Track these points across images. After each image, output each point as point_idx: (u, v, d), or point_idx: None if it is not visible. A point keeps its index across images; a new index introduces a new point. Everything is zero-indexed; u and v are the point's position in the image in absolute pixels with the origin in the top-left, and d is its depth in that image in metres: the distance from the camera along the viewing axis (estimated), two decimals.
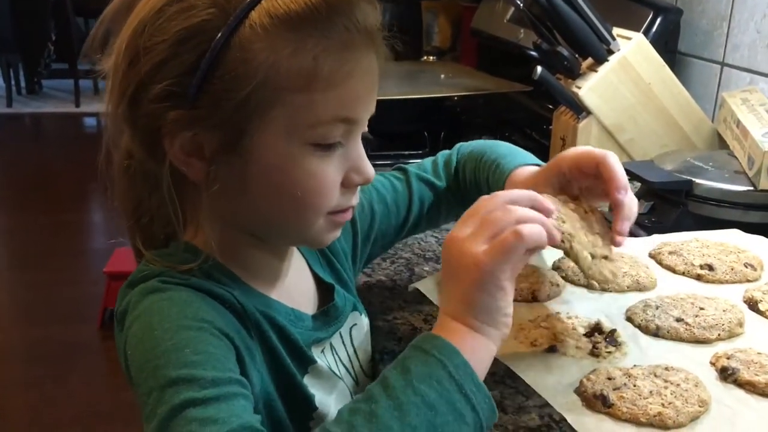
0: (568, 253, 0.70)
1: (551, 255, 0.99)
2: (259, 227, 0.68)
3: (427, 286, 0.91)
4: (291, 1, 0.60)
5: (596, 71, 1.36)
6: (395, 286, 0.96)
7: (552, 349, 0.78)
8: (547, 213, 0.63)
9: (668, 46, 1.52)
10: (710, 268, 0.94)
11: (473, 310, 0.59)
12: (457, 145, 0.92)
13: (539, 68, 1.32)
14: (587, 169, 0.75)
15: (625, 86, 1.35)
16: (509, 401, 0.72)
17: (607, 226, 0.74)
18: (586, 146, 0.79)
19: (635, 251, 1.00)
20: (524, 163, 0.84)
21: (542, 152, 0.82)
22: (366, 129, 0.68)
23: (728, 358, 0.75)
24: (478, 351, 0.59)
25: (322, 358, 0.73)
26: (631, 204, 0.73)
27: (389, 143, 1.75)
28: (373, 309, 0.89)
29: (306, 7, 0.60)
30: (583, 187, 0.77)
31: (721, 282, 0.93)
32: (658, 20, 1.49)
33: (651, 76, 1.36)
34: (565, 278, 0.94)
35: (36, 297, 3.20)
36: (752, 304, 0.88)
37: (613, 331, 0.80)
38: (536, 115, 1.74)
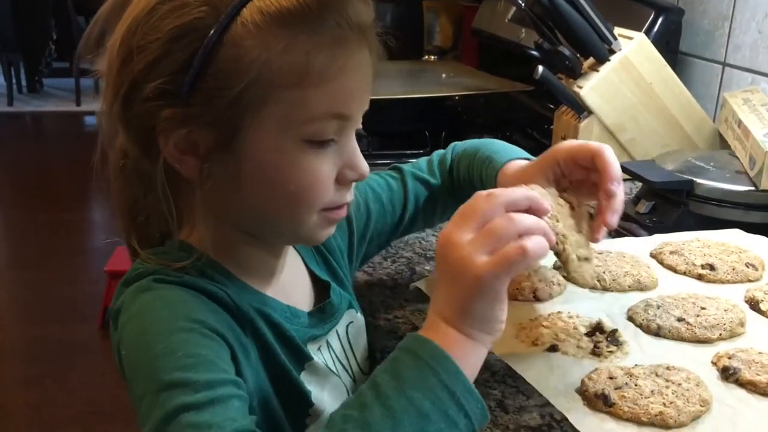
0: (560, 254, 0.69)
1: (552, 254, 0.99)
2: (254, 224, 0.68)
3: (428, 285, 0.91)
4: None
5: (598, 71, 1.36)
6: (396, 285, 0.96)
7: (553, 349, 0.78)
8: (543, 213, 0.62)
9: (670, 46, 1.52)
10: (711, 267, 0.94)
11: (469, 319, 0.58)
12: (452, 144, 0.92)
13: (540, 68, 1.32)
14: (582, 161, 0.75)
15: (626, 86, 1.35)
16: (510, 400, 0.72)
17: (590, 224, 0.74)
18: (583, 140, 0.79)
19: (637, 251, 1.00)
20: (516, 157, 0.84)
21: (543, 152, 0.82)
22: (360, 125, 0.68)
23: (729, 358, 0.75)
24: (471, 357, 0.58)
25: (319, 356, 0.73)
26: (621, 197, 0.72)
27: (390, 143, 1.75)
28: (374, 308, 0.90)
29: (297, 3, 0.60)
30: (575, 180, 0.76)
31: (722, 282, 0.93)
32: (660, 20, 1.49)
33: (652, 75, 1.36)
34: (567, 278, 0.94)
35: (36, 296, 3.20)
36: (753, 304, 0.88)
37: (615, 330, 0.80)
38: (537, 114, 1.74)
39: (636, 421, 0.67)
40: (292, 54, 0.60)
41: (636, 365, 0.74)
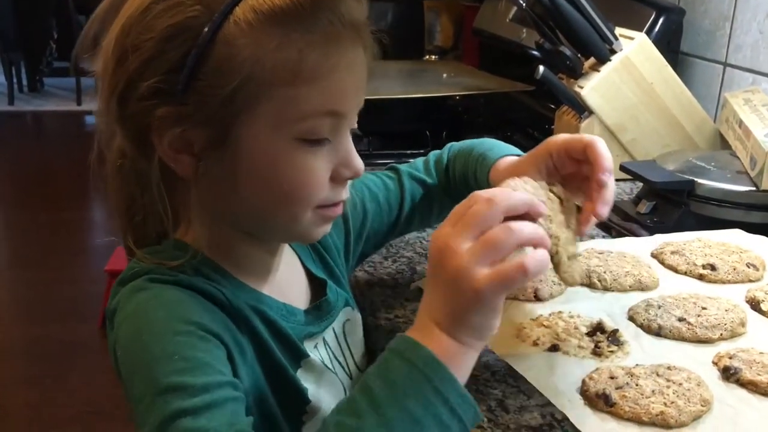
0: (552, 256, 0.69)
1: None
2: (249, 222, 0.68)
3: None
4: None
5: (598, 71, 1.36)
6: (397, 285, 0.96)
7: (554, 349, 0.78)
8: (540, 216, 0.62)
9: (671, 46, 1.52)
10: (712, 267, 0.94)
11: (464, 328, 0.58)
12: (448, 145, 0.93)
13: (541, 68, 1.32)
14: (574, 153, 0.74)
15: (627, 86, 1.35)
16: (511, 400, 0.72)
17: (578, 219, 0.73)
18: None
19: (638, 251, 1.00)
20: (508, 154, 0.84)
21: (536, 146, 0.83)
22: (355, 124, 0.68)
23: (730, 358, 0.75)
24: (463, 362, 0.58)
25: (315, 353, 0.73)
26: (612, 189, 0.72)
27: (391, 142, 1.75)
28: (375, 307, 0.90)
29: (291, 2, 0.60)
30: (566, 174, 0.76)
31: (723, 282, 0.93)
32: (661, 20, 1.49)
33: (653, 76, 1.36)
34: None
35: (36, 295, 3.20)
36: (754, 304, 0.88)
37: (616, 330, 0.80)
38: (538, 114, 1.74)
39: (637, 420, 0.67)
40: (285, 52, 0.60)
41: (637, 365, 0.74)
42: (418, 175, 0.91)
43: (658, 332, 0.81)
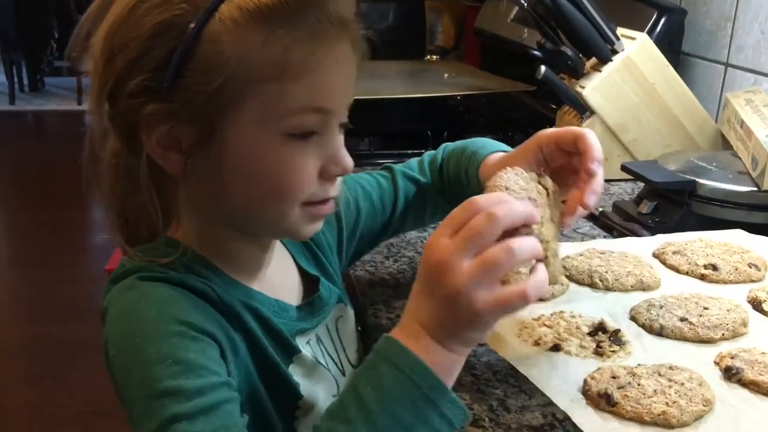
0: (541, 260, 0.69)
1: None
2: (238, 219, 0.68)
3: None
4: None
5: (600, 71, 1.36)
6: (398, 284, 0.96)
7: (556, 348, 0.78)
8: (535, 222, 0.60)
9: (672, 47, 1.52)
10: (714, 268, 0.94)
11: (455, 340, 0.57)
12: (443, 145, 0.93)
13: (543, 68, 1.32)
14: (565, 145, 0.74)
15: (628, 86, 1.35)
16: (512, 400, 0.72)
17: (562, 212, 0.72)
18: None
19: (639, 251, 1.00)
20: (499, 150, 0.85)
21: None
22: (345, 120, 0.68)
23: (732, 358, 0.75)
24: (452, 368, 0.58)
25: (308, 349, 0.73)
26: (600, 179, 0.72)
27: (392, 142, 1.75)
28: (376, 307, 0.90)
29: (277, 0, 0.61)
30: (556, 167, 0.76)
31: (725, 282, 0.93)
32: (663, 20, 1.49)
33: (655, 76, 1.36)
34: (569, 277, 0.94)
35: (37, 295, 3.20)
36: (756, 304, 0.88)
37: (617, 330, 0.80)
38: (539, 114, 1.74)
39: (639, 420, 0.67)
40: (270, 49, 0.60)
41: (639, 365, 0.74)
42: (412, 175, 0.91)
43: (659, 332, 0.81)
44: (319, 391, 0.72)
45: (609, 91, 1.35)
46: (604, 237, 1.14)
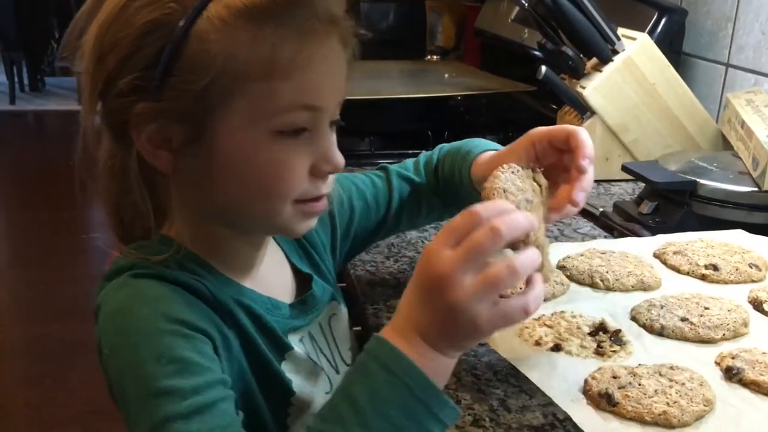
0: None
1: (555, 254, 0.99)
2: (230, 217, 0.68)
3: None
4: None
5: (601, 71, 1.36)
6: (399, 284, 0.96)
7: (556, 348, 0.78)
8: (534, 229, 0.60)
9: (673, 47, 1.52)
10: (715, 268, 0.94)
11: (454, 347, 0.58)
12: (439, 146, 0.93)
13: (544, 68, 1.32)
14: (557, 142, 0.75)
15: (629, 86, 1.35)
16: (513, 400, 0.72)
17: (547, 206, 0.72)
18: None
19: (640, 251, 1.00)
20: (491, 149, 0.85)
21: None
22: (337, 117, 0.68)
23: (733, 358, 0.75)
24: (444, 370, 0.58)
25: (300, 346, 0.74)
26: (590, 176, 0.72)
27: (392, 142, 1.75)
28: (377, 307, 0.90)
29: None
30: (547, 164, 0.76)
31: (725, 282, 0.93)
32: (663, 21, 1.49)
33: (655, 76, 1.36)
34: (570, 277, 0.94)
35: (37, 295, 3.20)
36: (757, 305, 0.88)
37: (618, 330, 0.80)
38: (540, 115, 1.74)
39: (639, 420, 0.67)
40: (258, 47, 0.61)
41: (639, 365, 0.74)
42: (407, 175, 0.91)
43: (660, 332, 0.81)
44: (312, 388, 0.73)
45: (610, 92, 1.35)
46: (605, 237, 1.14)
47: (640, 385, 0.69)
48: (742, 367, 0.73)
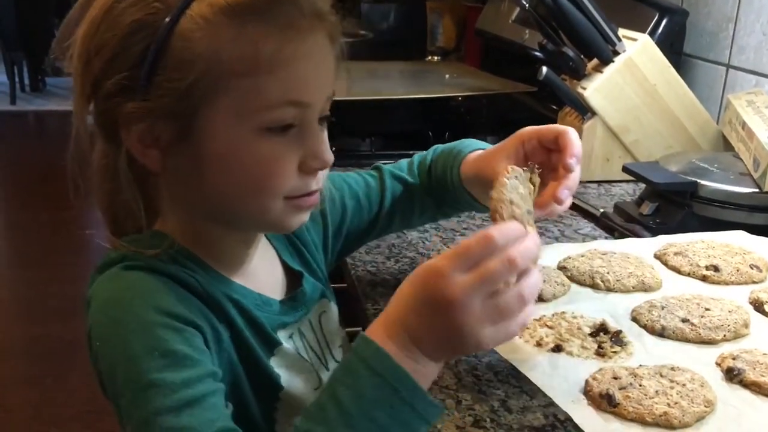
0: None
1: (556, 255, 0.99)
2: (221, 213, 0.69)
3: None
4: None
5: (601, 72, 1.36)
6: (399, 285, 0.96)
7: (557, 349, 0.78)
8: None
9: (674, 48, 1.52)
10: (716, 269, 0.94)
11: (449, 357, 0.58)
12: (433, 147, 0.93)
13: (544, 69, 1.32)
14: (546, 142, 0.76)
15: (630, 87, 1.35)
16: (514, 401, 0.72)
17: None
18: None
19: (641, 252, 1.00)
20: (481, 148, 0.86)
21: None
22: (327, 113, 0.68)
23: (734, 359, 0.75)
24: (431, 374, 0.58)
25: (290, 343, 0.74)
26: (577, 176, 0.73)
27: (393, 143, 1.75)
28: (377, 307, 0.90)
29: None
30: (537, 162, 0.76)
31: (726, 283, 0.93)
32: (664, 21, 1.49)
33: (656, 77, 1.36)
34: (570, 278, 0.94)
35: (37, 294, 3.20)
36: (758, 306, 0.88)
37: (619, 331, 0.80)
38: (541, 116, 1.74)
39: (640, 421, 0.67)
40: (241, 44, 0.61)
41: (640, 366, 0.74)
42: (400, 174, 0.92)
43: (661, 333, 0.81)
44: (301, 384, 0.73)
45: (610, 92, 1.35)
46: (606, 238, 1.14)
47: (641, 386, 0.69)
48: (743, 368, 0.73)
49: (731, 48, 1.49)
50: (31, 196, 4.35)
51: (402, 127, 1.81)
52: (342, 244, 0.89)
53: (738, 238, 1.05)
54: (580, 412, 0.68)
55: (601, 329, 0.81)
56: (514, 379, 0.75)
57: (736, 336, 0.81)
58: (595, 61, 1.38)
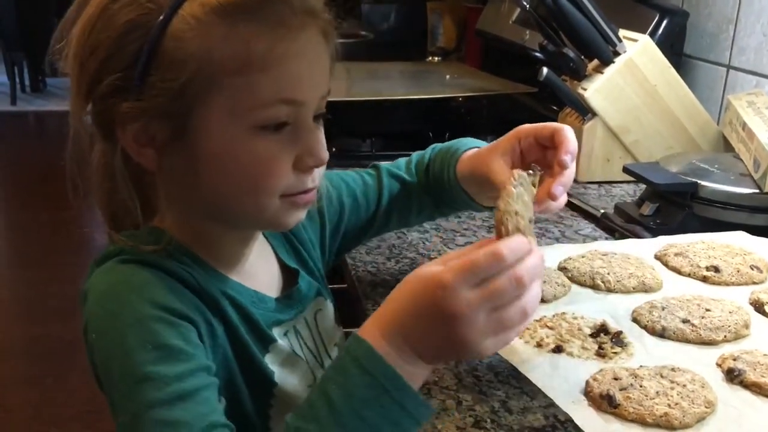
0: None
1: (557, 255, 0.99)
2: (217, 212, 0.69)
3: None
4: None
5: (602, 73, 1.36)
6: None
7: (558, 350, 0.78)
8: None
9: (674, 49, 1.52)
10: (716, 269, 0.94)
11: (442, 360, 0.59)
12: (432, 146, 0.93)
13: (545, 69, 1.32)
14: (542, 139, 0.76)
15: (630, 88, 1.35)
16: (514, 401, 0.72)
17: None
18: None
19: (641, 252, 1.00)
20: (478, 146, 0.86)
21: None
22: (322, 110, 0.68)
23: (734, 360, 0.75)
24: (423, 375, 0.59)
25: (285, 340, 0.74)
26: (571, 173, 0.73)
27: (393, 143, 1.75)
28: (378, 308, 0.89)
29: None
30: (531, 160, 0.77)
31: (726, 284, 0.93)
32: (665, 22, 1.49)
33: (657, 78, 1.36)
34: (571, 279, 0.94)
35: (37, 294, 3.20)
36: (758, 306, 0.88)
37: (619, 332, 0.80)
38: (541, 116, 1.74)
39: (641, 422, 0.67)
40: (232, 43, 0.61)
41: (641, 366, 0.74)
42: (397, 173, 0.92)
43: (662, 334, 0.81)
44: (295, 380, 0.73)
45: (611, 93, 1.35)
46: (606, 239, 1.14)
47: (641, 386, 0.69)
48: (744, 369, 0.73)
49: (731, 49, 1.49)
50: (31, 196, 4.35)
51: (402, 127, 1.81)
52: (340, 243, 0.89)
53: (738, 238, 1.05)
54: (581, 412, 0.68)
55: (601, 330, 0.81)
56: (514, 379, 0.75)
57: (737, 337, 0.81)
58: (595, 61, 1.38)
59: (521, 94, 1.85)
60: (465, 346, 0.55)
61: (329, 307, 0.83)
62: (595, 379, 0.71)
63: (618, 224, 1.16)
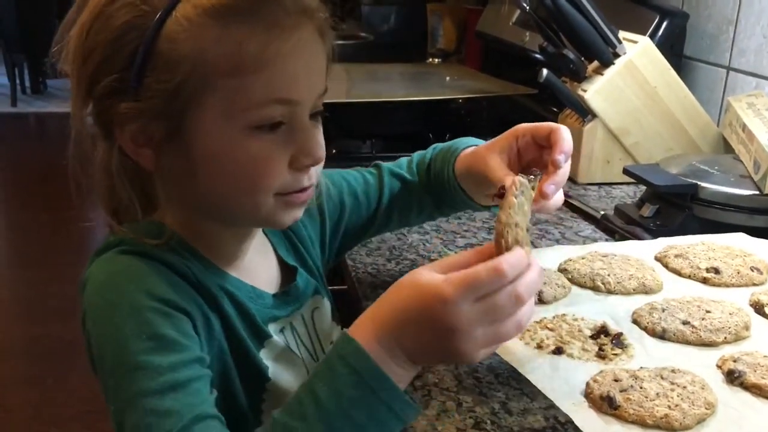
0: None
1: (557, 257, 0.99)
2: (214, 210, 0.69)
3: None
4: None
5: (602, 74, 1.36)
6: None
7: (558, 351, 0.78)
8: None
9: (674, 50, 1.52)
10: (716, 271, 0.94)
11: (429, 364, 0.60)
12: (433, 145, 0.94)
13: (545, 71, 1.32)
14: (539, 138, 0.77)
15: (630, 89, 1.35)
16: (514, 403, 0.72)
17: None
18: None
19: (641, 254, 1.00)
20: (476, 144, 0.87)
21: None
22: (319, 109, 0.68)
23: (734, 361, 0.75)
24: (411, 377, 0.59)
25: (281, 337, 0.75)
26: (565, 172, 0.74)
27: (394, 145, 1.75)
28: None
29: None
30: (528, 160, 0.79)
31: (727, 285, 0.93)
32: (665, 24, 1.49)
33: (657, 79, 1.36)
34: (571, 280, 0.94)
35: (37, 294, 3.20)
36: (758, 308, 0.88)
37: (620, 333, 0.80)
38: (541, 118, 1.73)
39: (641, 423, 0.67)
40: (224, 44, 0.62)
41: (641, 368, 0.74)
42: (398, 172, 0.92)
43: (662, 335, 0.81)
44: (290, 376, 0.74)
45: (611, 95, 1.35)
46: (606, 240, 1.14)
47: (641, 388, 0.70)
48: (744, 371, 0.73)
49: (731, 50, 1.49)
50: (31, 197, 4.36)
51: (402, 129, 1.81)
52: (340, 241, 0.89)
53: (738, 240, 1.05)
54: (581, 414, 0.68)
55: (601, 331, 0.81)
56: (514, 381, 0.75)
57: (737, 338, 0.81)
58: (595, 63, 1.38)
59: (521, 95, 1.85)
60: (458, 356, 0.57)
61: (327, 305, 0.84)
62: (595, 381, 0.71)
63: (618, 226, 1.16)
